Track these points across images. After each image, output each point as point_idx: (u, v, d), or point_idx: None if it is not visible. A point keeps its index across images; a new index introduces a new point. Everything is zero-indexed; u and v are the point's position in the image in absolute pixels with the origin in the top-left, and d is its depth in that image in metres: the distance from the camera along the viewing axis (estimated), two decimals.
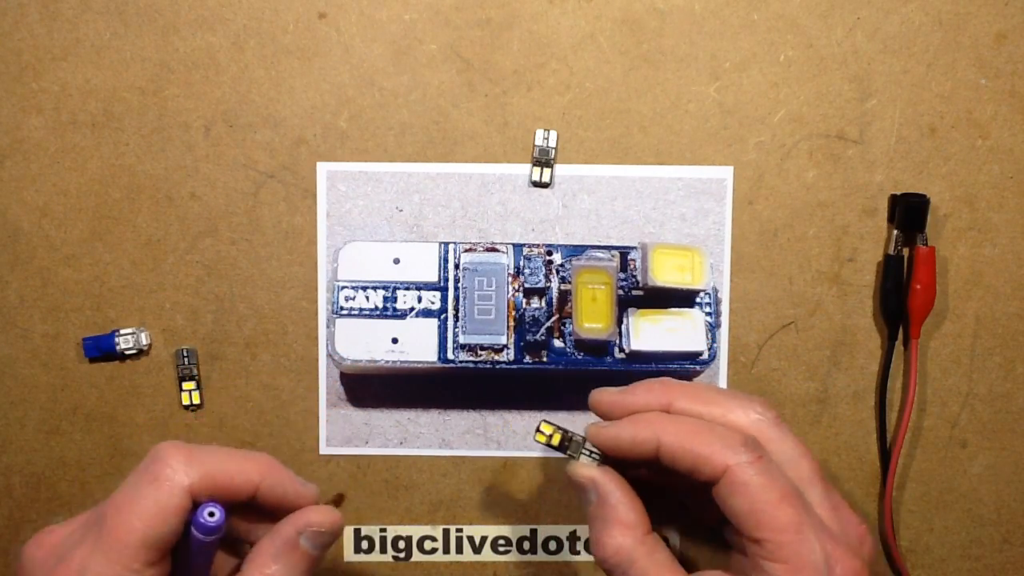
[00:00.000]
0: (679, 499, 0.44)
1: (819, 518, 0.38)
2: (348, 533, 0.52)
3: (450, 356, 0.50)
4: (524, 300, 0.50)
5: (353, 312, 0.50)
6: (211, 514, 0.36)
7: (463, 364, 0.50)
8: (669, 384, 0.41)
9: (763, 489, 0.37)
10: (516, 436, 0.52)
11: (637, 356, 0.49)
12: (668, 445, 0.39)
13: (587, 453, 0.41)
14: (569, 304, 0.50)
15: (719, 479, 0.38)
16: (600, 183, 0.51)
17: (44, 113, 0.50)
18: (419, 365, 0.50)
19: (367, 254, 0.51)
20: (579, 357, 0.50)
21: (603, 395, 0.42)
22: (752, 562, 0.37)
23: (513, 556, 0.53)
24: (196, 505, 0.37)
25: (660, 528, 0.48)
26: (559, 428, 0.41)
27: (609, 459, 0.41)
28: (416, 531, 0.52)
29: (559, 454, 0.42)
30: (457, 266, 0.50)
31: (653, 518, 0.40)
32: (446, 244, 0.50)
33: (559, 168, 0.51)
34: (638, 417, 0.40)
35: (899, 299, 0.50)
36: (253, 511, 0.40)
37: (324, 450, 0.52)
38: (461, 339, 0.50)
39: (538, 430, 0.41)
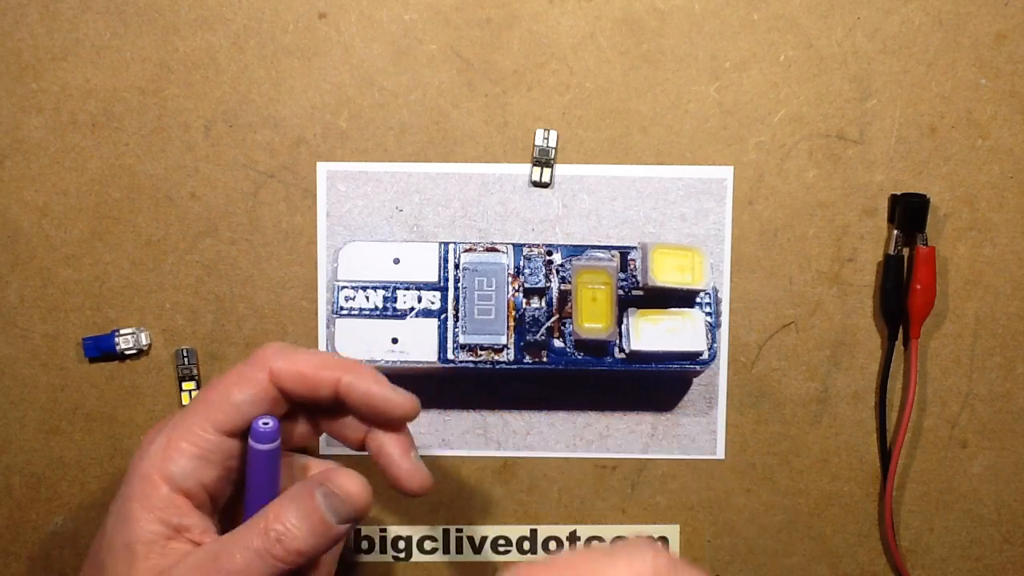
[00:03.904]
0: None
1: None
2: None
3: (450, 356, 0.50)
4: (524, 300, 0.50)
5: (353, 312, 0.50)
6: (265, 423, 0.38)
7: (463, 364, 0.50)
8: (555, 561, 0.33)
9: None
10: (516, 436, 0.52)
11: (637, 356, 0.49)
12: None
13: None
14: (569, 304, 0.50)
15: None
16: (600, 183, 0.51)
17: (44, 113, 0.50)
18: (419, 365, 0.50)
19: (367, 254, 0.51)
20: (579, 357, 0.50)
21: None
22: None
23: (513, 556, 0.53)
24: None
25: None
26: None
27: None
28: (416, 531, 0.52)
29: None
30: (457, 266, 0.50)
31: None
32: (446, 244, 0.50)
33: (559, 168, 0.51)
34: None
35: (899, 299, 0.50)
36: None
37: (324, 450, 0.52)
38: (461, 339, 0.50)
39: None
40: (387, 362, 0.50)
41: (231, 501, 0.40)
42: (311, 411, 0.40)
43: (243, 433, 0.38)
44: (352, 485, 0.38)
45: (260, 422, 0.38)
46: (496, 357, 0.50)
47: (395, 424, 0.39)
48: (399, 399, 0.39)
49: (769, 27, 0.50)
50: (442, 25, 0.50)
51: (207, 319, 0.51)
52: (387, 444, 0.39)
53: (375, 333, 0.50)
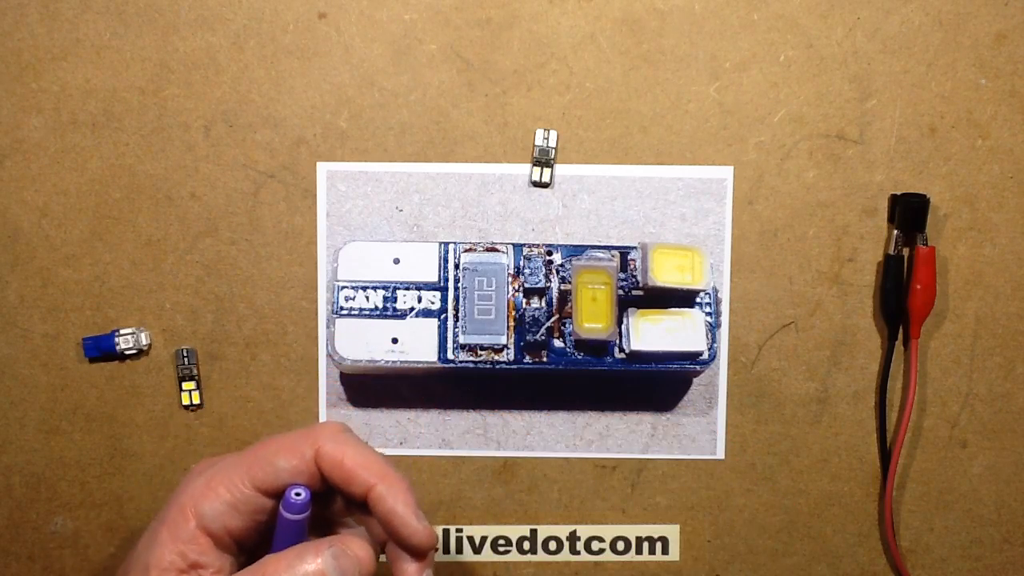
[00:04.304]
0: None
1: None
2: None
3: (450, 356, 0.50)
4: (524, 300, 0.50)
5: (353, 312, 0.50)
6: (298, 494, 0.38)
7: (463, 364, 0.50)
8: None
9: None
10: (516, 436, 0.52)
11: (637, 356, 0.49)
12: None
13: None
14: (569, 304, 0.50)
15: None
16: (600, 183, 0.51)
17: (44, 113, 0.50)
18: (419, 365, 0.50)
19: (367, 254, 0.51)
20: (579, 357, 0.50)
21: None
22: None
23: (513, 556, 0.53)
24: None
25: None
26: None
27: None
28: None
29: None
30: (457, 266, 0.50)
31: None
32: (446, 244, 0.50)
33: (559, 168, 0.51)
34: None
35: (899, 299, 0.50)
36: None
37: None
38: (461, 339, 0.50)
39: None
40: (387, 362, 0.50)
41: (260, 545, 0.40)
42: (346, 497, 0.41)
43: (278, 494, 0.39)
44: (363, 552, 0.39)
45: (293, 492, 0.38)
46: (496, 357, 0.50)
47: (408, 549, 0.40)
48: (416, 528, 0.39)
49: (769, 27, 0.50)
50: (442, 25, 0.50)
51: (207, 319, 0.51)
52: (404, 558, 0.40)
53: (375, 333, 0.50)
